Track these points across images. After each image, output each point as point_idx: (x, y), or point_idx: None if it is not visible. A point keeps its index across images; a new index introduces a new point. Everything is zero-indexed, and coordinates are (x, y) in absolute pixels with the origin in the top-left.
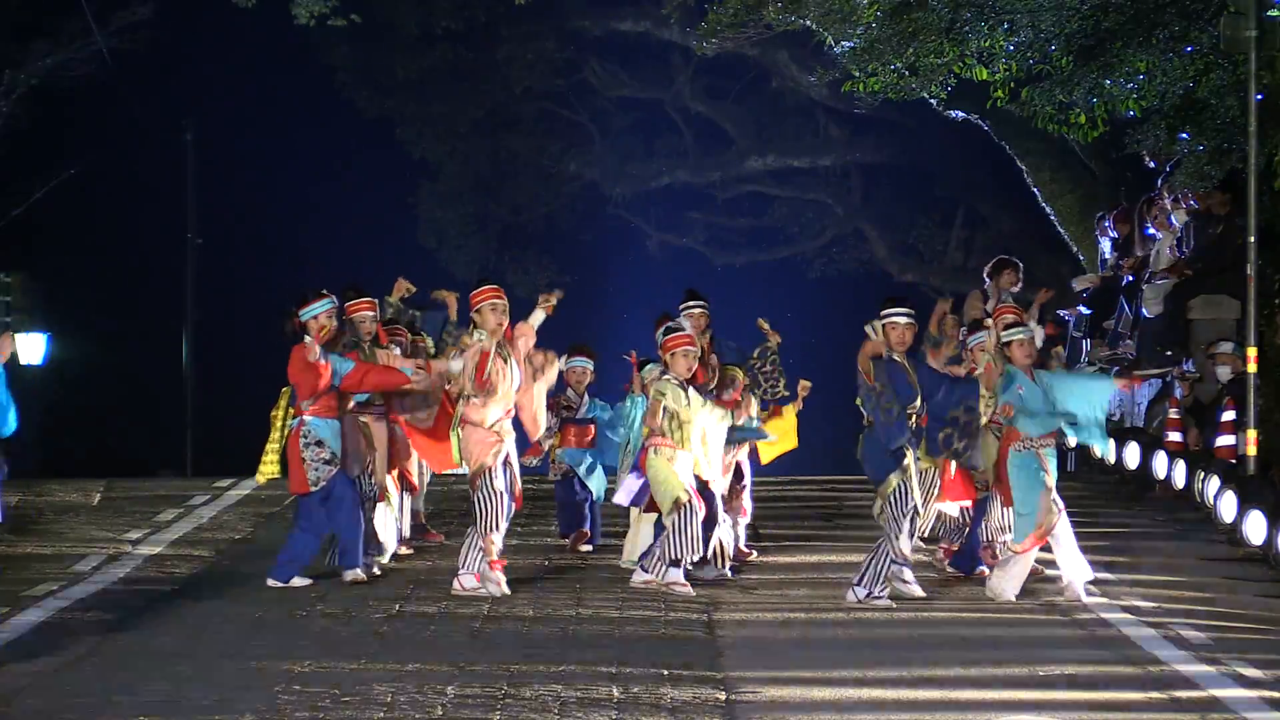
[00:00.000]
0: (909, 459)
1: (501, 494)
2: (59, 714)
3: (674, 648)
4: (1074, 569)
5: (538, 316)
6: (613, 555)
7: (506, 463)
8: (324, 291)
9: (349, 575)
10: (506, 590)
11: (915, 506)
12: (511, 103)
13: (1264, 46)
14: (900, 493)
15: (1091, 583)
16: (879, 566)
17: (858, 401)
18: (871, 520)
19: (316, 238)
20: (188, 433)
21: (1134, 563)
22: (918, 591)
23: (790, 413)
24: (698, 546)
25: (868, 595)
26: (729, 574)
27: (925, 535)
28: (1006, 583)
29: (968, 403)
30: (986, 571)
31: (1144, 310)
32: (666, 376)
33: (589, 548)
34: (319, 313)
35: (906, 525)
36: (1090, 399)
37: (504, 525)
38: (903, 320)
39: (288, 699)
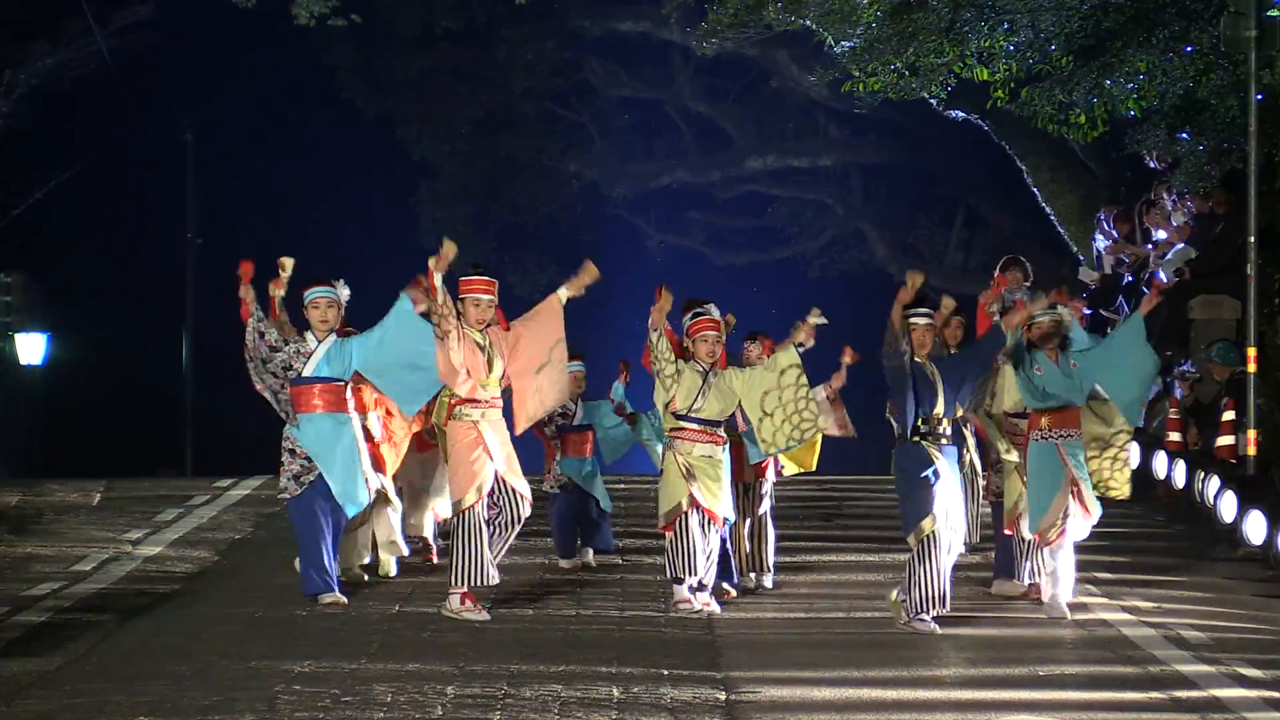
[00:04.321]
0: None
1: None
2: (59, 714)
3: (674, 648)
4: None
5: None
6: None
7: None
8: (330, 279)
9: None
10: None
11: (943, 559)
12: (512, 103)
13: (1264, 46)
14: (930, 542)
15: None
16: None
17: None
18: (872, 519)
19: (316, 237)
20: (188, 432)
21: (1134, 563)
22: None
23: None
24: (695, 564)
25: (911, 618)
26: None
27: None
28: (1056, 591)
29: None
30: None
31: (1160, 275)
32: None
33: (591, 560)
34: (306, 300)
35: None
36: (1129, 377)
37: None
38: (922, 322)
39: (287, 699)
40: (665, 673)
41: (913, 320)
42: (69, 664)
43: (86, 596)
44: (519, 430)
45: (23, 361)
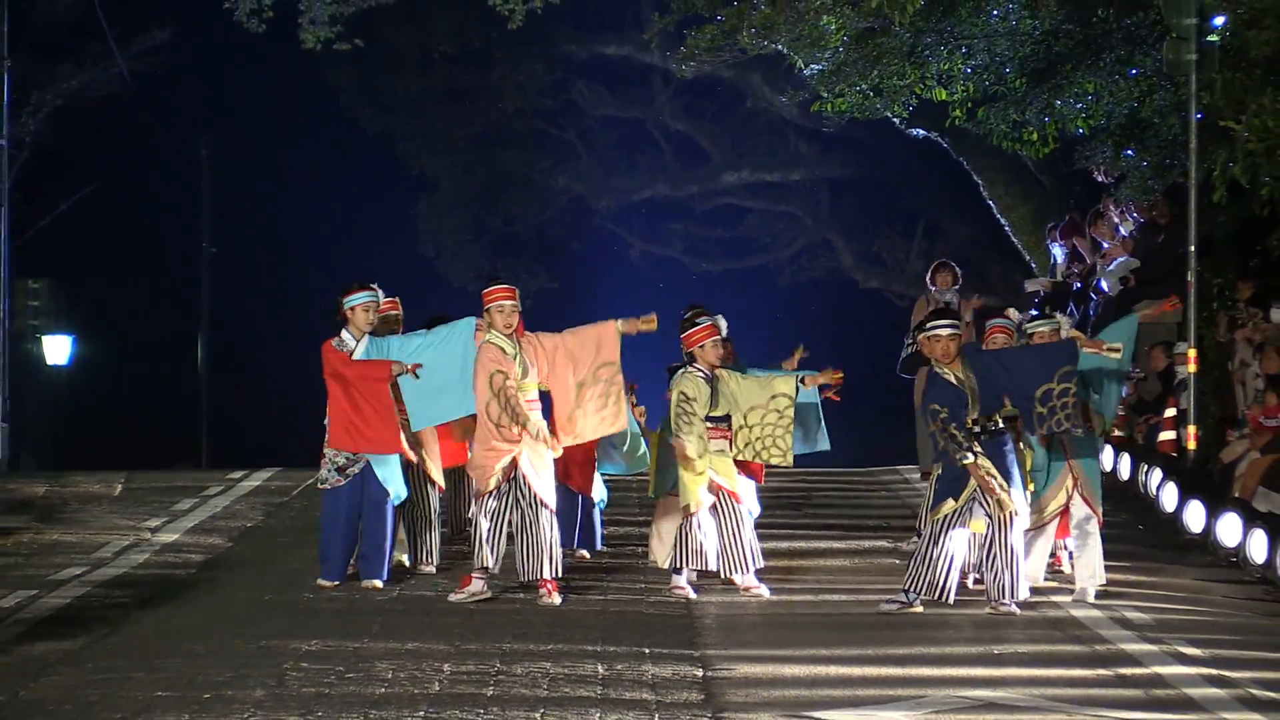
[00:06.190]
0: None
1: (498, 525)
2: (82, 690)
3: (655, 628)
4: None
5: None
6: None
7: (516, 478)
8: (370, 284)
9: (365, 584)
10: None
11: (955, 549)
12: (504, 121)
13: (1203, 69)
14: (946, 524)
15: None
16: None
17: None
18: (838, 508)
19: (322, 247)
20: (203, 427)
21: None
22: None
23: None
24: (699, 558)
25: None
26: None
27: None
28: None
29: (1063, 370)
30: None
31: (1103, 283)
32: (693, 370)
33: (585, 554)
34: (355, 304)
35: (940, 565)
36: (1110, 379)
37: (494, 558)
38: (945, 332)
39: (296, 675)
40: (647, 651)
41: (935, 332)
42: (92, 643)
43: (108, 580)
44: (558, 445)
45: (49, 362)
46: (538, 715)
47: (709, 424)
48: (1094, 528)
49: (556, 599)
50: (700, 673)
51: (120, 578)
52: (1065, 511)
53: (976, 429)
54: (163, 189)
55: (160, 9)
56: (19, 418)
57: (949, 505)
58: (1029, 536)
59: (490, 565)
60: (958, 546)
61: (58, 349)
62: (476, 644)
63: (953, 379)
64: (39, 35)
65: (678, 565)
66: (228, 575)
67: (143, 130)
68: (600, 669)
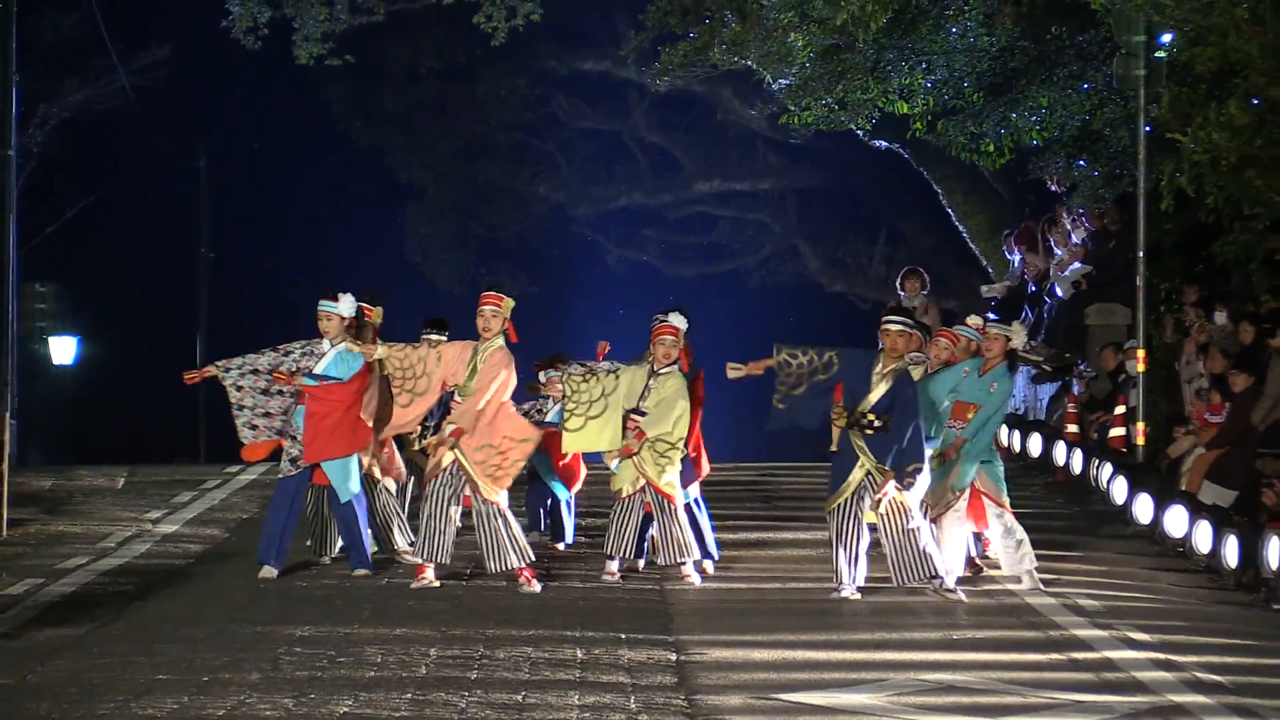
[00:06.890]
0: (857, 475)
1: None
2: (86, 674)
3: (630, 615)
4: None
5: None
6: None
7: (456, 471)
8: (337, 294)
9: (356, 573)
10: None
11: (858, 533)
12: (488, 133)
13: (1152, 84)
14: (842, 512)
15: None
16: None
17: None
18: (803, 500)
19: (315, 253)
20: (201, 424)
21: (1036, 539)
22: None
23: None
24: (624, 544)
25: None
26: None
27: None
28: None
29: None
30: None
31: (1056, 288)
32: (644, 362)
33: (562, 546)
34: (318, 309)
35: (849, 550)
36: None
37: (440, 549)
38: (894, 328)
39: (289, 659)
40: (623, 636)
41: (886, 326)
42: (96, 629)
43: (111, 570)
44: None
45: (55, 362)
46: (519, 697)
47: (637, 416)
48: (1009, 520)
49: (536, 587)
50: (674, 657)
51: (123, 567)
52: (973, 501)
53: (863, 419)
54: (163, 197)
55: (161, 27)
56: (27, 415)
57: (838, 498)
58: (945, 524)
59: (438, 558)
60: (858, 533)
61: (64, 349)
62: (461, 629)
63: (878, 368)
64: (46, 52)
65: (609, 551)
66: (224, 564)
67: (144, 142)
68: (579, 653)
